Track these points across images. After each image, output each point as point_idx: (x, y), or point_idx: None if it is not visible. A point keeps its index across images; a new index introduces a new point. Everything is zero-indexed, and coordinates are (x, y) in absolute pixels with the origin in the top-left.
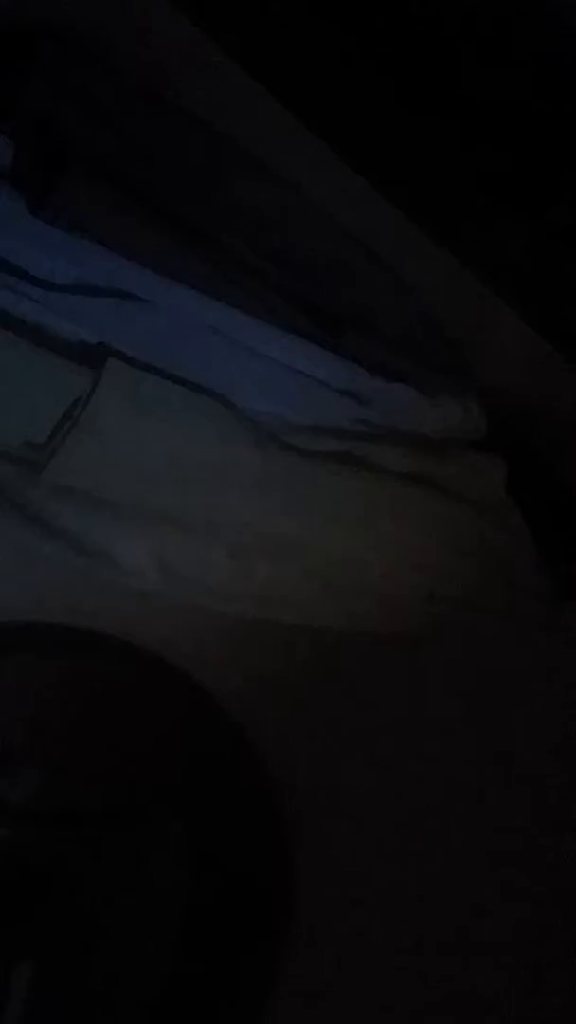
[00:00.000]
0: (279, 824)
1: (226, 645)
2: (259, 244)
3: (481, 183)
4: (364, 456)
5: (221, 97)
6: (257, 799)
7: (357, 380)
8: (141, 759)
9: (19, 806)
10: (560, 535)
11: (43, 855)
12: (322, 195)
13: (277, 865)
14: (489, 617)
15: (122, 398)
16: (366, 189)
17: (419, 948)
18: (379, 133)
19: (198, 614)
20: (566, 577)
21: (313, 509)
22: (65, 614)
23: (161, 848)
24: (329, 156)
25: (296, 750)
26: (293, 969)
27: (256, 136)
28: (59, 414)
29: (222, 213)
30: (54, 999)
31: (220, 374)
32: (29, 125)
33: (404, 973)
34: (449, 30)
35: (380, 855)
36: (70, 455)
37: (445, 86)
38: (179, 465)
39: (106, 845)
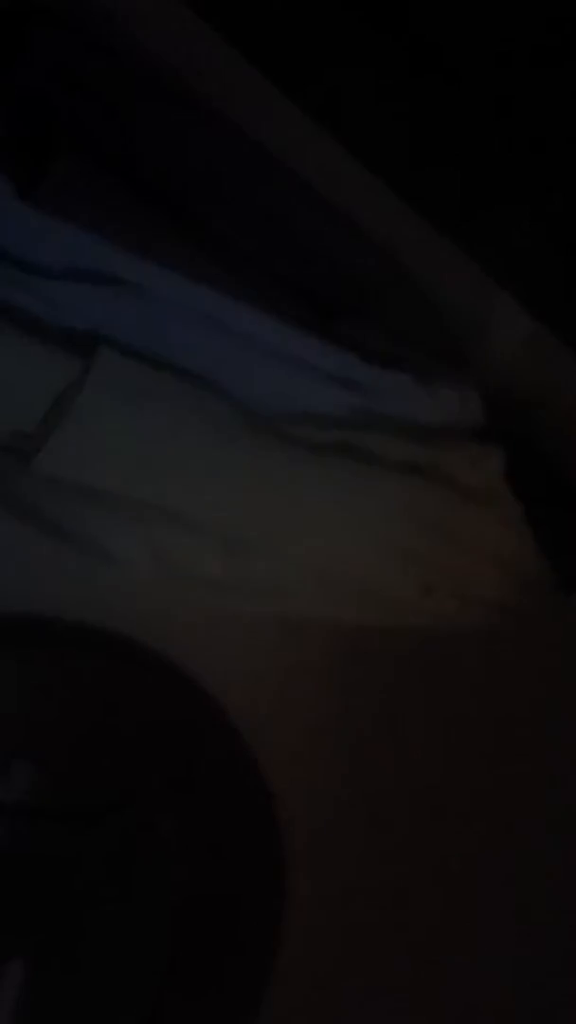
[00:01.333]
0: (273, 818)
1: (220, 638)
2: (253, 230)
3: (482, 170)
4: (359, 445)
5: (217, 81)
6: (251, 792)
7: (352, 368)
8: (134, 754)
9: (11, 803)
10: (560, 526)
11: (36, 852)
12: (317, 180)
13: (271, 860)
14: (486, 609)
15: (113, 387)
16: (363, 174)
17: (416, 943)
18: (377, 118)
19: (191, 606)
20: (566, 569)
21: (308, 500)
22: (56, 606)
23: (155, 844)
24: (326, 140)
25: (291, 743)
26: (288, 964)
27: (252, 122)
28: (49, 403)
29: (216, 198)
30: (47, 996)
31: (213, 362)
32: (19, 108)
33: (400, 968)
34: (451, 15)
35: (377, 849)
36: (60, 445)
37: (447, 74)
38: (172, 455)
39: (99, 842)
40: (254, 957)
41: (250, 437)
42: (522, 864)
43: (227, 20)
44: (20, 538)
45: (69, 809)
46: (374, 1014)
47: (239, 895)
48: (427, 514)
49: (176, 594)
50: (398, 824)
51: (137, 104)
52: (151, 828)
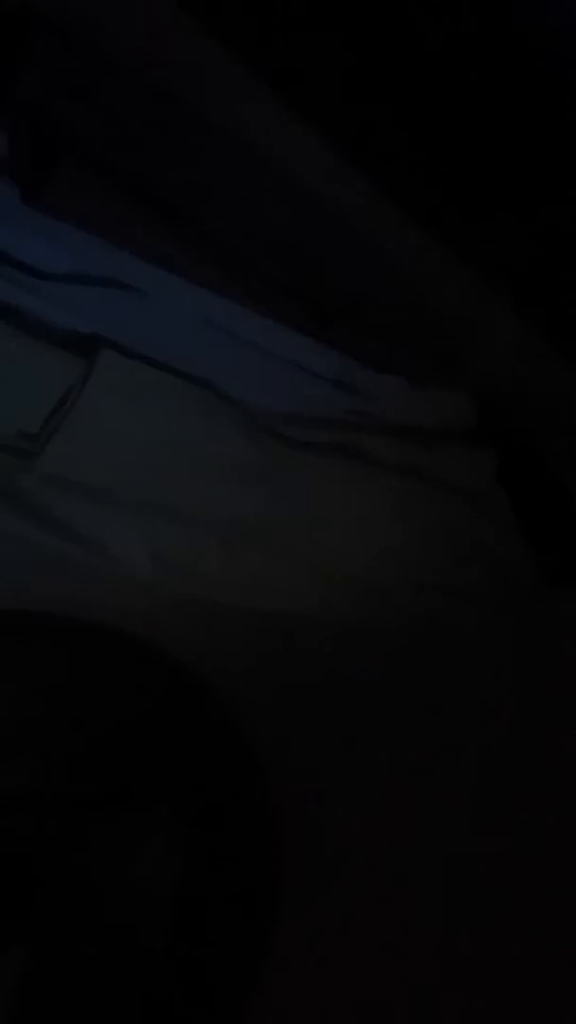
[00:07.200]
0: (269, 807)
1: (217, 633)
2: (252, 235)
3: (478, 178)
4: (355, 447)
5: (216, 88)
6: (247, 783)
7: (348, 371)
8: (135, 746)
9: (12, 794)
10: (549, 524)
11: (36, 843)
12: (317, 188)
13: (267, 848)
14: (477, 605)
15: (115, 388)
16: (362, 183)
17: (406, 929)
18: (376, 127)
19: (189, 602)
20: (554, 566)
21: (303, 499)
22: (58, 603)
23: (153, 833)
24: (325, 149)
25: (287, 735)
26: (283, 949)
27: (250, 128)
28: (52, 404)
29: (215, 204)
30: (46, 985)
31: (213, 365)
32: (24, 116)
33: (392, 951)
34: (448, 27)
35: (369, 838)
36: (63, 445)
37: (443, 82)
38: (171, 455)
39: (98, 832)
40: (251, 944)
41: (248, 438)
42: (512, 839)
43: (226, 28)
44: (23, 535)
45: (71, 800)
46: (365, 993)
47: (237, 881)
48: (421, 513)
49: (175, 591)
50: (389, 808)
51: (139, 113)
52: (150, 817)
